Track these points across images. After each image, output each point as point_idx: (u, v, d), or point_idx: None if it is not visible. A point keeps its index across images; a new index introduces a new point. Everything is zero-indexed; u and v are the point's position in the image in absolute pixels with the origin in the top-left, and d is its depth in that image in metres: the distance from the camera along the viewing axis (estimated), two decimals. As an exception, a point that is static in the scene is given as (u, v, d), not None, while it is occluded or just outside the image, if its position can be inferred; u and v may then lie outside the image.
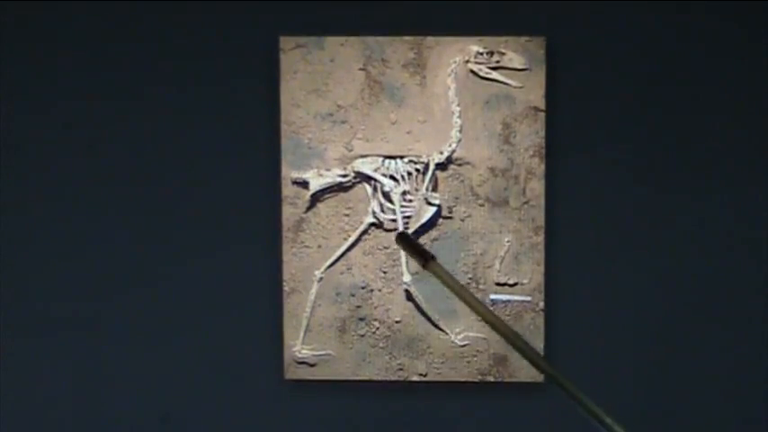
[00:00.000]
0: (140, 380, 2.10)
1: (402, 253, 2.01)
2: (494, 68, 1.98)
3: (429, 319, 2.03)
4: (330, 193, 2.02)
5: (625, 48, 2.02)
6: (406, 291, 2.02)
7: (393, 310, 2.03)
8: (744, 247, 2.04)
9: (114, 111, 2.06)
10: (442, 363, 2.03)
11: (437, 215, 2.01)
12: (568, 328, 2.05)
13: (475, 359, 2.03)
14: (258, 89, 2.04)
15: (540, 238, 2.01)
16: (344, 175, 2.01)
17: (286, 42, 2.00)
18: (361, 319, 2.03)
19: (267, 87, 2.02)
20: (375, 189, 2.01)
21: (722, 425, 2.06)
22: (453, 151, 1.99)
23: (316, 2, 2.01)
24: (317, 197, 2.02)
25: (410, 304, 2.03)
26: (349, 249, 2.02)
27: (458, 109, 1.98)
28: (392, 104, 1.99)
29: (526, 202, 2.00)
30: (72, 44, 2.05)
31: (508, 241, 2.01)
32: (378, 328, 2.04)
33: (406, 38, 1.98)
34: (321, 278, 2.03)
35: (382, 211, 2.02)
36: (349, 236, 2.02)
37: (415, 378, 2.04)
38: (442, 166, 2.00)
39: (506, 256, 2.01)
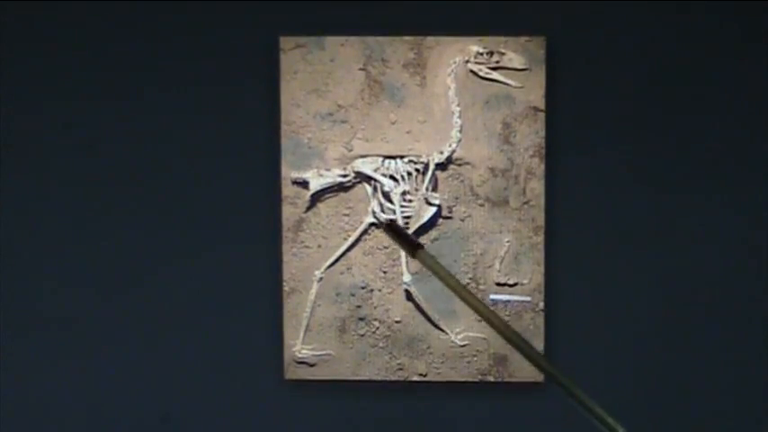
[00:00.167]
0: (140, 380, 2.10)
1: (403, 254, 2.01)
2: (494, 68, 1.98)
3: (429, 319, 2.03)
4: (330, 193, 2.02)
5: (625, 48, 2.02)
6: (406, 291, 2.02)
7: (393, 310, 2.03)
8: (744, 247, 2.04)
9: (114, 111, 2.06)
10: (442, 363, 2.03)
11: (437, 215, 2.01)
12: (568, 328, 2.05)
13: (475, 359, 2.03)
14: (258, 89, 2.04)
15: (540, 238, 2.01)
16: (344, 175, 2.01)
17: (286, 42, 2.00)
18: (361, 319, 2.04)
19: (267, 87, 2.02)
20: (375, 189, 2.01)
21: (722, 425, 2.06)
22: (453, 151, 1.99)
23: (316, 2, 2.01)
24: (317, 197, 2.02)
25: (410, 304, 2.03)
26: (349, 249, 2.02)
27: (458, 109, 1.98)
28: (392, 104, 1.99)
29: (526, 202, 2.00)
30: (72, 44, 2.05)
31: (508, 241, 2.01)
32: (378, 328, 2.04)
33: (406, 38, 1.98)
34: (321, 278, 2.03)
35: (382, 211, 2.02)
36: (349, 236, 2.02)
37: (415, 378, 2.04)
38: (442, 166, 2.00)
39: (506, 256, 2.01)
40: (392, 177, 2.01)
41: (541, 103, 1.98)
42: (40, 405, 2.12)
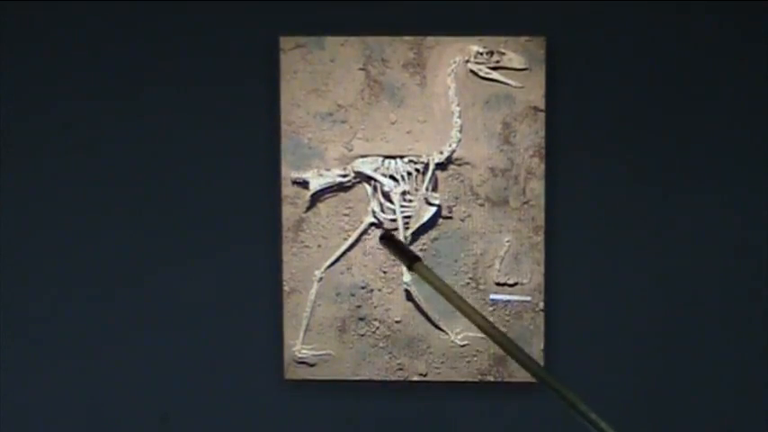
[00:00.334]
0: (140, 380, 2.10)
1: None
2: (494, 68, 1.98)
3: (429, 319, 2.03)
4: (330, 192, 2.02)
5: (625, 48, 2.02)
6: (406, 291, 2.02)
7: (393, 309, 2.03)
8: (744, 247, 2.04)
9: (114, 111, 2.06)
10: (442, 363, 2.03)
11: (437, 215, 2.01)
12: (568, 328, 2.05)
13: (475, 359, 2.03)
14: (258, 89, 2.04)
15: (540, 238, 2.01)
16: (344, 175, 2.01)
17: (286, 42, 2.00)
18: (361, 319, 2.03)
19: (267, 87, 2.02)
20: (375, 189, 2.01)
21: (722, 425, 2.06)
22: (453, 151, 1.99)
23: (316, 2, 2.01)
24: (317, 197, 2.02)
25: (410, 304, 2.03)
26: (349, 249, 2.02)
27: (458, 109, 1.98)
28: (392, 104, 1.99)
29: (526, 202, 2.00)
30: (72, 44, 2.05)
31: (508, 241, 2.01)
32: (378, 328, 2.04)
33: (406, 38, 1.98)
34: (321, 278, 2.03)
35: (382, 211, 2.02)
36: (349, 236, 2.02)
37: (415, 378, 2.04)
38: (441, 166, 2.00)
39: (506, 255, 2.01)
40: (392, 177, 2.01)
41: (541, 103, 1.98)
42: (39, 405, 2.12)
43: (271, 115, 2.02)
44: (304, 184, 2.02)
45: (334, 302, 2.03)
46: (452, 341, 2.03)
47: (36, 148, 2.07)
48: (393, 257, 1.11)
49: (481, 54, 1.97)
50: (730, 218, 2.03)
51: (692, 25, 2.01)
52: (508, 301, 2.02)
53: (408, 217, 2.01)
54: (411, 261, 1.15)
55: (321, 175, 2.01)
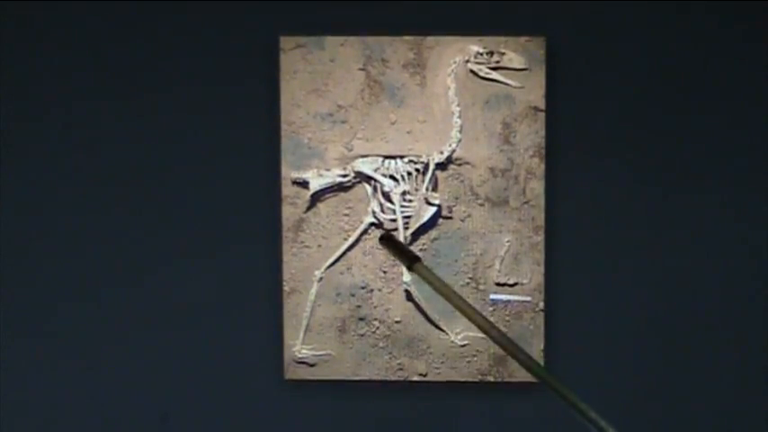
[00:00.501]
0: (140, 379, 2.10)
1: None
2: (494, 68, 1.98)
3: (429, 319, 2.03)
4: (330, 193, 2.02)
5: (625, 48, 2.02)
6: (406, 291, 2.02)
7: (393, 310, 2.03)
8: (744, 247, 2.04)
9: (114, 111, 2.06)
10: (442, 363, 2.03)
11: (437, 215, 2.01)
12: (568, 328, 2.05)
13: (475, 359, 2.03)
14: (258, 89, 2.04)
15: (540, 238, 2.01)
16: (344, 175, 2.01)
17: (286, 42, 2.00)
18: (361, 319, 2.04)
19: (267, 87, 2.02)
20: (375, 189, 2.01)
21: (722, 425, 2.06)
22: (453, 151, 1.99)
23: (316, 2, 2.01)
24: (317, 197, 2.02)
25: (410, 304, 2.03)
26: (349, 249, 2.02)
27: (458, 109, 1.98)
28: (392, 104, 1.99)
29: (526, 202, 2.00)
30: (72, 44, 2.05)
31: (508, 241, 2.01)
32: (378, 328, 2.04)
33: (406, 38, 1.98)
34: (321, 278, 2.03)
35: (382, 211, 2.02)
36: (349, 236, 2.02)
37: (415, 378, 2.04)
38: (441, 166, 2.00)
39: (506, 256, 2.01)
40: (392, 177, 2.01)
41: (541, 103, 1.98)
42: (39, 404, 2.12)
43: (271, 115, 2.02)
44: (304, 184, 2.02)
45: (334, 302, 2.03)
46: (452, 341, 2.03)
47: (36, 148, 2.07)
48: (393, 258, 1.10)
49: (481, 54, 1.98)
50: (730, 218, 2.03)
51: (692, 25, 2.01)
52: (508, 301, 2.02)
53: (408, 217, 2.02)
54: (411, 261, 1.15)
55: (321, 176, 2.01)
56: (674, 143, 2.02)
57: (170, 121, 2.06)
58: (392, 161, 2.00)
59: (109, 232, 2.08)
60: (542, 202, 2.00)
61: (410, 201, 2.01)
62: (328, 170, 2.01)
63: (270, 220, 2.04)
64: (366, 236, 2.02)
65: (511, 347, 1.09)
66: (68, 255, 2.09)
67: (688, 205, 2.03)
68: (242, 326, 2.08)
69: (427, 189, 2.00)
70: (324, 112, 2.01)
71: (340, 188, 2.01)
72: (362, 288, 2.03)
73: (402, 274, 2.02)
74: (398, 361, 2.04)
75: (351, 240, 2.02)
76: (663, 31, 2.01)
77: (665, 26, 2.01)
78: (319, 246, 2.03)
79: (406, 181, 2.01)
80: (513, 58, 1.97)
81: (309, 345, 2.04)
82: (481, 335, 2.02)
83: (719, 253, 2.04)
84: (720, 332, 2.05)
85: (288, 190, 2.02)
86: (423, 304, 2.02)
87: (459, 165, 2.00)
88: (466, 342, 2.03)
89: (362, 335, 2.04)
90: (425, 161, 2.00)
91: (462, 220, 2.01)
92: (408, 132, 2.00)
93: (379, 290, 2.02)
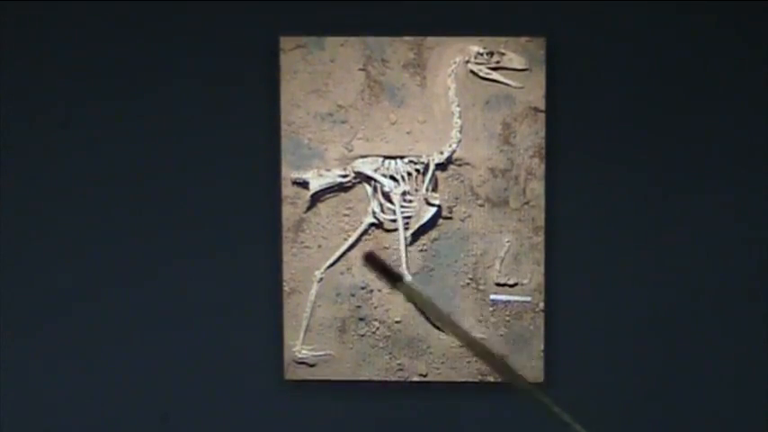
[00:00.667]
0: (140, 380, 2.10)
1: (403, 253, 2.01)
2: (494, 69, 1.98)
3: (429, 320, 2.02)
4: (330, 193, 2.02)
5: (625, 48, 2.02)
6: (406, 291, 2.02)
7: (393, 310, 2.03)
8: (744, 247, 2.04)
9: (114, 111, 2.06)
10: (442, 363, 2.03)
11: (437, 215, 2.01)
12: (568, 328, 2.05)
13: (475, 359, 2.03)
14: (258, 89, 2.04)
15: (540, 238, 2.01)
16: (344, 175, 2.01)
17: (286, 42, 2.00)
18: (361, 320, 2.03)
19: (267, 87, 2.02)
20: (375, 189, 2.01)
21: (722, 425, 2.06)
22: (453, 151, 1.99)
23: (316, 2, 2.01)
24: (317, 197, 2.02)
25: (410, 304, 2.03)
26: (349, 249, 2.02)
27: (458, 109, 1.98)
28: (392, 104, 1.99)
29: (526, 203, 2.00)
30: (72, 44, 2.05)
31: (508, 241, 2.01)
32: (378, 328, 2.04)
33: (406, 38, 1.98)
34: (321, 278, 2.03)
35: (382, 211, 2.02)
36: (349, 236, 2.02)
37: (415, 378, 2.04)
38: (441, 167, 2.00)
39: (506, 256, 2.01)
40: (392, 177, 2.01)
41: (541, 104, 1.98)
42: (39, 404, 2.12)
43: (271, 115, 2.02)
44: (304, 185, 2.01)
45: (335, 303, 2.03)
46: (452, 341, 2.03)
47: (36, 148, 2.07)
48: (377, 277, 1.09)
49: (481, 54, 1.97)
50: (730, 218, 2.03)
51: (692, 25, 2.01)
52: (508, 301, 2.02)
53: (408, 217, 2.01)
54: (394, 281, 1.15)
55: (321, 176, 2.01)
56: (674, 143, 2.02)
57: (170, 121, 2.06)
58: (392, 161, 2.00)
59: (109, 232, 2.08)
60: (542, 202, 2.00)
61: (410, 201, 2.01)
62: (328, 170, 2.01)
63: (270, 220, 2.04)
64: (366, 236, 2.02)
65: (496, 363, 1.09)
66: (68, 255, 2.08)
67: (688, 205, 2.03)
68: (242, 326, 2.08)
69: (427, 189, 2.00)
70: (324, 113, 2.00)
71: (340, 188, 2.01)
72: (362, 288, 2.03)
73: (402, 274, 2.02)
74: (398, 361, 2.04)
75: (351, 241, 2.02)
76: (663, 31, 2.01)
77: (665, 26, 2.01)
78: (319, 246, 2.02)
79: (406, 181, 2.01)
80: (514, 59, 1.97)
81: (309, 345, 2.04)
82: (482, 335, 2.02)
83: (720, 253, 2.04)
84: (720, 332, 2.05)
85: (288, 190, 2.02)
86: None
87: (460, 165, 2.00)
88: (466, 342, 2.03)
89: (362, 335, 2.04)
90: (425, 161, 2.00)
91: (462, 221, 2.01)
92: (408, 133, 2.00)
93: (379, 290, 2.02)
